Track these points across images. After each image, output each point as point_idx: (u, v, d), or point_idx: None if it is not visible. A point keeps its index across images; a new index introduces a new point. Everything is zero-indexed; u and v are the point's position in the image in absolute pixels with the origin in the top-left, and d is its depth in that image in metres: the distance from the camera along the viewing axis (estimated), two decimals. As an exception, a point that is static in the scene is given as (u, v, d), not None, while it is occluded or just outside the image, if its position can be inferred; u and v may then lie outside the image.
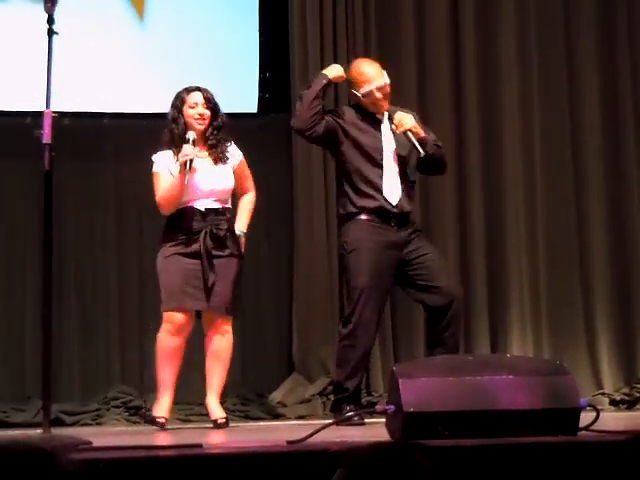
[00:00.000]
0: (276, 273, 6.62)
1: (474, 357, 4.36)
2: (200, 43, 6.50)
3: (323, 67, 6.48)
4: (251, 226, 6.61)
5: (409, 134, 4.99)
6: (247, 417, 6.14)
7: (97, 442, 3.40)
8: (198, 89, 5.18)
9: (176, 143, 5.08)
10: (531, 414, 3.23)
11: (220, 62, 6.52)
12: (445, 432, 3.18)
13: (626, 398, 6.52)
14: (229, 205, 5.19)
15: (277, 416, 6.17)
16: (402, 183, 5.06)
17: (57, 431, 4.36)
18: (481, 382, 3.31)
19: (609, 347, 6.64)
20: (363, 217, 5.00)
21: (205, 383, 5.19)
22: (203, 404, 6.11)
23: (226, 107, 6.10)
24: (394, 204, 5.01)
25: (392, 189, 5.03)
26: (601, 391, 6.54)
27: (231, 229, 5.13)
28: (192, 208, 5.04)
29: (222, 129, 5.18)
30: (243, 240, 5.22)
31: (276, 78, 6.70)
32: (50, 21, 3.73)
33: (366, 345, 5.00)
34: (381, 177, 5.03)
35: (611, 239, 6.74)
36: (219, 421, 5.06)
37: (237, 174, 5.21)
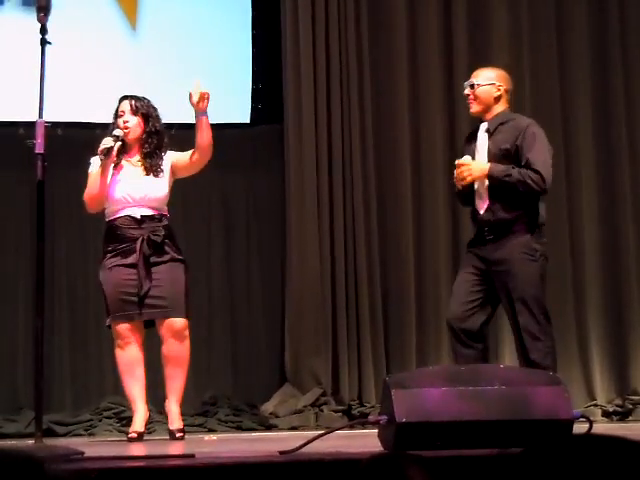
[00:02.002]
0: (268, 285, 6.62)
1: (467, 368, 4.34)
2: (192, 53, 6.51)
3: (316, 78, 6.53)
4: (243, 235, 6.63)
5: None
6: (239, 428, 6.14)
7: (89, 452, 3.39)
8: (126, 97, 5.18)
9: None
10: (524, 425, 3.23)
11: (213, 73, 6.51)
12: (437, 443, 3.18)
13: (619, 410, 6.53)
14: (166, 212, 5.11)
15: (269, 427, 6.16)
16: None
17: (49, 441, 4.35)
18: (474, 392, 3.31)
19: (601, 359, 6.65)
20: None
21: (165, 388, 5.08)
22: (199, 414, 6.12)
23: (219, 117, 6.11)
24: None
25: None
26: (594, 402, 6.54)
27: (169, 235, 5.06)
28: (127, 216, 5.01)
29: (156, 135, 5.12)
30: (205, 118, 5.04)
31: (269, 89, 6.72)
32: (43, 31, 3.73)
33: None
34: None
35: (604, 251, 6.75)
36: (177, 433, 4.94)
37: (181, 162, 5.12)
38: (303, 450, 3.28)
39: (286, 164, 6.55)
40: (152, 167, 5.09)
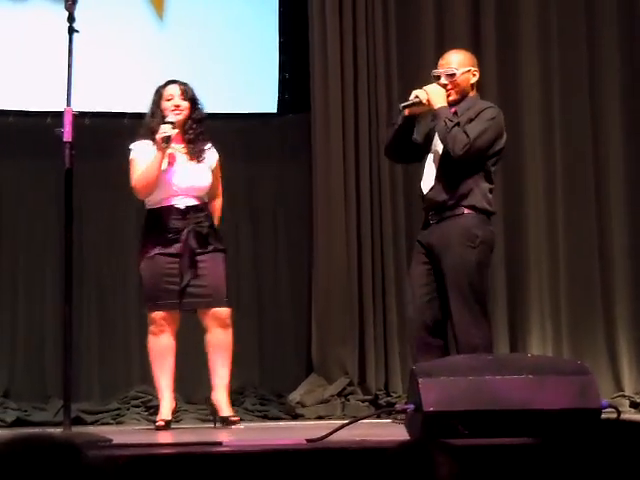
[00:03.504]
0: (295, 273, 6.63)
1: (494, 357, 4.33)
2: (220, 43, 6.51)
3: (343, 68, 6.51)
4: (270, 225, 6.64)
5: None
6: (266, 417, 6.15)
7: (117, 440, 3.41)
8: (174, 82, 5.15)
9: (153, 135, 5.02)
10: (552, 414, 3.22)
11: (240, 63, 6.53)
12: (465, 431, 3.17)
13: (647, 400, 6.49)
14: (207, 200, 5.12)
15: (296, 416, 6.17)
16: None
17: (78, 429, 4.37)
18: (502, 382, 3.30)
19: (629, 349, 6.60)
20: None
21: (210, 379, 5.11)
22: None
23: (246, 107, 6.13)
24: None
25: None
26: (621, 393, 6.50)
27: (211, 224, 5.07)
28: (171, 207, 4.99)
29: (201, 122, 5.13)
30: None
31: (296, 79, 6.71)
32: (71, 19, 3.74)
33: None
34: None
35: (632, 241, 6.71)
36: (231, 418, 4.96)
37: (212, 175, 5.16)
38: (330, 439, 3.28)
39: (313, 154, 6.54)
40: (196, 153, 5.08)
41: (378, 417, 5.02)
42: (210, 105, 6.43)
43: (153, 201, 5.04)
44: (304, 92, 6.62)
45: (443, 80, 4.85)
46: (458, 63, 4.92)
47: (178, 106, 5.05)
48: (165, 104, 5.08)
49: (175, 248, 4.94)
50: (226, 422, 4.96)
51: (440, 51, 6.61)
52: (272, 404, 6.32)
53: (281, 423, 5.87)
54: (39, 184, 6.28)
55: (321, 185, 6.50)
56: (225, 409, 4.99)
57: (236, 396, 6.27)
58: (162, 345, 4.99)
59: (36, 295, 6.30)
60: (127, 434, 4.79)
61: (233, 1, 6.63)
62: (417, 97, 4.82)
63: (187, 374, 5.68)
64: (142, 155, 5.03)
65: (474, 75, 4.94)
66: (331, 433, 3.32)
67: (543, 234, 6.62)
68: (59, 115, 3.79)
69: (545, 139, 6.67)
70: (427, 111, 4.87)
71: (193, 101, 5.12)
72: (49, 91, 5.68)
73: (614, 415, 3.42)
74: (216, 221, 5.17)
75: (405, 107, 4.84)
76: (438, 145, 4.81)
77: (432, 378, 3.31)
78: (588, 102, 6.74)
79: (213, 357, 5.02)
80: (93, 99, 5.98)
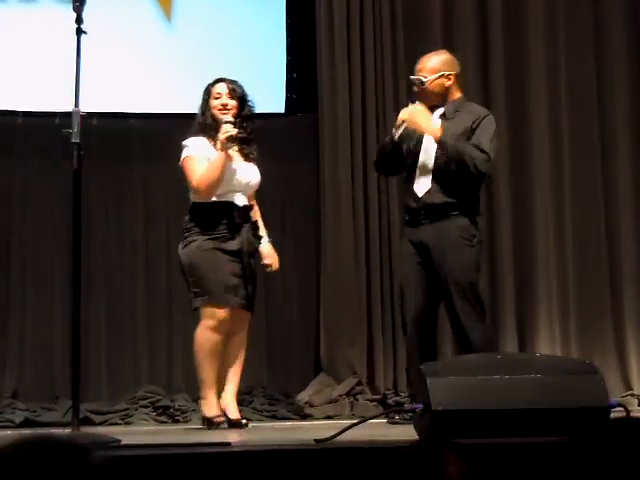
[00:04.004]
0: (303, 273, 6.62)
1: (503, 356, 4.33)
2: (227, 44, 6.51)
3: (350, 67, 6.51)
4: (278, 225, 6.65)
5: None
6: (274, 417, 6.15)
7: (126, 441, 3.41)
8: (223, 80, 5.12)
9: (205, 133, 5.02)
10: (560, 413, 3.21)
11: (247, 62, 6.52)
12: (473, 432, 3.17)
13: (655, 399, 6.48)
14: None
15: (304, 416, 6.17)
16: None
17: (86, 429, 4.38)
18: (510, 381, 3.30)
19: (638, 348, 6.59)
20: None
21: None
22: (237, 403, 6.13)
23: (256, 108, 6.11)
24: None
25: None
26: (630, 392, 6.49)
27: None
28: (231, 203, 4.96)
29: (251, 121, 5.11)
30: (271, 246, 5.20)
31: (303, 79, 6.71)
32: (79, 20, 3.75)
33: None
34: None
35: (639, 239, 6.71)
36: (242, 421, 4.96)
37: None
38: (338, 439, 3.28)
39: (320, 154, 6.54)
40: (249, 154, 5.09)
41: (386, 417, 5.01)
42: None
43: (211, 195, 4.98)
44: (311, 92, 6.62)
45: (414, 88, 4.91)
46: (430, 69, 4.92)
47: (225, 105, 5.03)
48: (213, 102, 5.05)
49: (232, 245, 4.90)
50: (235, 425, 4.93)
51: (448, 49, 6.64)
52: (280, 404, 6.32)
53: (289, 423, 5.86)
54: (47, 185, 6.29)
55: (329, 186, 6.50)
56: (235, 412, 4.98)
57: (244, 396, 6.28)
58: (219, 342, 4.90)
59: (45, 296, 6.30)
60: (136, 435, 4.78)
61: (240, 1, 6.63)
62: (403, 121, 4.83)
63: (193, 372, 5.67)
64: (199, 152, 4.98)
65: (449, 79, 4.92)
66: (339, 433, 3.32)
67: (551, 233, 6.60)
68: (67, 115, 3.80)
69: (552, 136, 6.66)
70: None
71: (242, 99, 5.08)
72: (57, 92, 5.68)
73: (623, 414, 3.41)
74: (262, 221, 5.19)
75: (398, 135, 4.86)
76: (430, 150, 4.83)
77: (440, 378, 3.31)
78: (597, 114, 6.73)
79: (231, 360, 4.99)
80: (101, 99, 5.98)
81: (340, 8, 6.51)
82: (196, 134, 5.06)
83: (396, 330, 6.43)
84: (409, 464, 1.93)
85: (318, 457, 2.98)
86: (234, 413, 4.97)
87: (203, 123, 5.04)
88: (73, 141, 3.68)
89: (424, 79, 4.87)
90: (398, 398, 6.26)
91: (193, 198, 5.03)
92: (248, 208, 5.03)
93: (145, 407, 6.12)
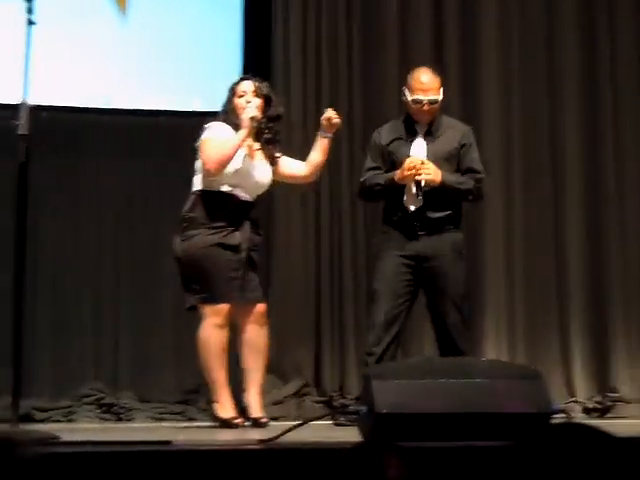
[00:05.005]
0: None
1: (448, 360, 4.35)
2: (183, 41, 6.47)
3: (305, 69, 6.50)
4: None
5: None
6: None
7: (66, 437, 3.37)
8: (248, 78, 5.02)
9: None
10: (503, 417, 3.23)
11: (202, 61, 6.50)
12: (417, 435, 3.17)
13: (598, 406, 6.53)
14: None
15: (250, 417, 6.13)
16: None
17: (26, 426, 4.33)
18: (454, 385, 3.31)
19: (582, 355, 6.65)
20: None
21: (243, 378, 4.96)
22: (180, 402, 6.08)
23: (207, 106, 6.08)
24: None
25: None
26: (573, 399, 6.55)
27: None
28: (237, 198, 4.84)
29: (278, 121, 5.01)
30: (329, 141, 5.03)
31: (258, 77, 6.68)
32: (29, 11, 3.70)
33: None
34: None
35: (588, 248, 6.75)
36: (262, 420, 4.82)
37: (287, 168, 5.11)
38: (282, 439, 3.27)
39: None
40: (272, 156, 5.00)
41: (332, 418, 5.01)
42: (171, 103, 6.42)
43: (221, 183, 4.84)
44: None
45: (426, 107, 5.04)
46: (439, 89, 5.13)
47: (249, 102, 4.89)
48: (238, 101, 4.92)
49: (234, 239, 4.79)
50: (257, 424, 4.81)
51: (404, 53, 6.65)
52: (226, 404, 6.28)
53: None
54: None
55: (279, 187, 6.47)
56: (256, 411, 4.87)
57: (192, 395, 6.25)
58: (223, 339, 4.76)
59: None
60: (79, 431, 4.73)
61: (196, -1, 6.60)
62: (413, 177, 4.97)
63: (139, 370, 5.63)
64: (220, 135, 4.84)
65: (443, 99, 5.17)
66: (283, 433, 3.32)
67: (500, 239, 6.64)
68: (15, 108, 3.74)
69: (504, 152, 6.69)
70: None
71: (267, 98, 4.97)
72: (6, 83, 5.61)
73: (565, 420, 3.44)
74: (325, 157, 5.08)
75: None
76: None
77: (386, 381, 3.31)
78: (548, 130, 6.78)
79: (252, 358, 4.87)
80: (51, 93, 5.92)
81: (296, 9, 6.50)
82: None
83: (344, 332, 6.43)
84: (349, 466, 1.93)
85: (261, 457, 2.97)
86: (256, 412, 4.86)
87: (226, 122, 4.91)
88: (20, 133, 3.63)
89: (438, 99, 5.08)
90: (344, 400, 6.26)
91: (199, 185, 4.87)
92: (252, 204, 4.91)
93: (89, 404, 6.06)
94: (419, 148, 5.12)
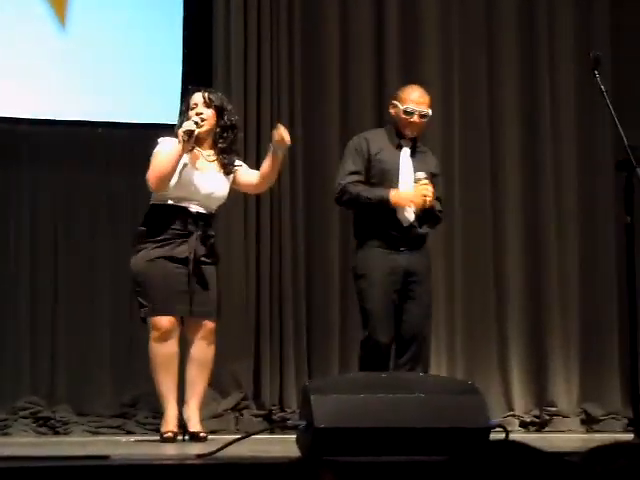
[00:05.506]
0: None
1: (387, 375, 4.36)
2: (122, 52, 6.44)
3: (246, 81, 6.50)
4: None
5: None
6: (158, 431, 6.06)
7: (1, 452, 3.33)
8: (198, 89, 5.02)
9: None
10: (441, 432, 3.24)
11: (142, 72, 6.47)
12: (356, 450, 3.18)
13: (536, 420, 6.60)
14: (216, 213, 5.04)
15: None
16: None
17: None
18: (393, 400, 3.32)
19: (520, 370, 6.71)
20: None
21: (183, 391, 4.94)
22: (118, 416, 6.02)
23: (147, 117, 6.06)
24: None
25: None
26: (512, 413, 6.60)
27: (215, 236, 4.99)
28: (185, 210, 4.83)
29: (232, 130, 4.99)
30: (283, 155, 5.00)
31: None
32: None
33: None
34: None
35: (526, 263, 6.82)
36: (200, 434, 4.82)
37: (245, 178, 5.05)
38: (221, 453, 3.26)
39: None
40: (227, 165, 4.96)
41: (271, 432, 5.00)
42: (109, 114, 6.37)
43: (167, 197, 4.85)
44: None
45: (417, 119, 5.18)
46: (430, 104, 5.28)
47: (200, 114, 4.89)
48: (190, 113, 4.92)
49: (181, 252, 4.78)
50: (195, 438, 4.81)
51: (344, 59, 6.66)
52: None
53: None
54: None
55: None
56: (195, 425, 4.86)
57: (128, 408, 6.19)
58: (169, 352, 4.77)
59: None
60: (13, 446, 4.67)
61: (137, 10, 6.55)
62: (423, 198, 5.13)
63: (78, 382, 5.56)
64: (166, 149, 4.85)
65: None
66: (221, 448, 3.30)
67: (440, 251, 6.66)
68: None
69: (445, 155, 6.74)
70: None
71: (219, 108, 4.96)
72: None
73: (503, 435, 3.46)
74: (279, 170, 5.10)
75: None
76: (409, 184, 5.16)
77: (324, 395, 3.31)
78: (488, 131, 6.85)
79: (195, 372, 4.88)
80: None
81: (237, 19, 6.50)
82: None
83: (283, 346, 6.42)
84: (286, 481, 1.92)
85: (199, 472, 2.95)
86: (194, 426, 4.85)
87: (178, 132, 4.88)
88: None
89: (429, 113, 5.24)
90: (283, 414, 6.25)
91: (151, 199, 4.92)
92: (205, 217, 4.90)
93: (25, 418, 5.99)
94: (407, 162, 5.22)
